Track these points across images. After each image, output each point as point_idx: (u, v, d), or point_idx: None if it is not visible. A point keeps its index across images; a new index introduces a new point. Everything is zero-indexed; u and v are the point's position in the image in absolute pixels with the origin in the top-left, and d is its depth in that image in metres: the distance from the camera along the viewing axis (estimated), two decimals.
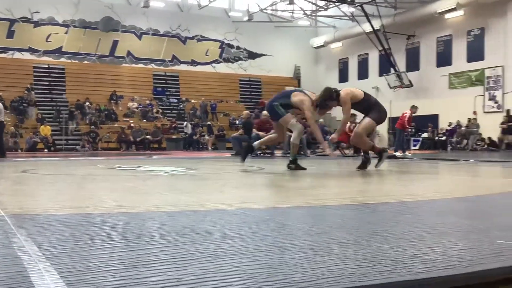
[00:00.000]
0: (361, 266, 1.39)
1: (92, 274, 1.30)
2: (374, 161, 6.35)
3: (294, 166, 6.26)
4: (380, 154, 6.34)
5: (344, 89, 6.28)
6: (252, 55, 30.69)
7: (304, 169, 6.18)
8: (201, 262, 1.44)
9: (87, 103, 24.42)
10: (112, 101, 25.74)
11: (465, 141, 21.36)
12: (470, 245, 1.67)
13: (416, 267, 1.37)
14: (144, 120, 24.88)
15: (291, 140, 6.56)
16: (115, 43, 27.22)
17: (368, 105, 6.19)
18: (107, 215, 2.45)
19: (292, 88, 6.99)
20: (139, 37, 27.81)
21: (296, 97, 6.30)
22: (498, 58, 21.28)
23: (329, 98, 6.15)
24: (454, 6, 21.86)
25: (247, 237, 1.88)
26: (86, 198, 3.37)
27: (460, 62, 23.06)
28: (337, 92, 6.15)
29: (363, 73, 28.34)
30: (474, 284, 1.30)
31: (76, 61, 26.29)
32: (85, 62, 26.51)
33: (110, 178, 5.46)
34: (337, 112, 8.52)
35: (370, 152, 6.40)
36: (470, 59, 22.61)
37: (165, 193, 3.69)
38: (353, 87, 6.63)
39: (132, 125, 23.16)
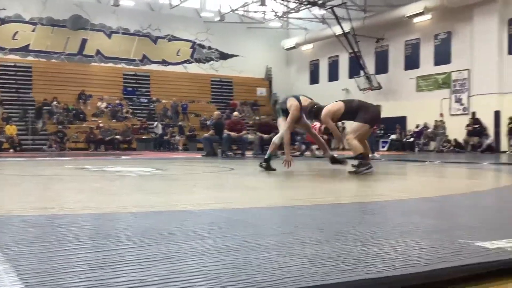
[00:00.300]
0: (324, 265, 1.41)
1: (53, 276, 1.29)
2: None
3: (265, 165, 6.31)
4: (367, 165, 5.93)
5: (324, 109, 6.25)
6: (224, 56, 30.65)
7: (273, 169, 6.22)
8: (166, 263, 1.44)
9: (55, 103, 23.94)
10: (80, 100, 25.30)
11: (432, 143, 21.84)
12: (431, 245, 1.72)
13: (378, 265, 1.40)
14: (114, 120, 24.54)
15: (273, 139, 6.68)
16: (84, 41, 26.77)
17: (352, 113, 6.17)
18: (72, 216, 2.42)
19: (296, 94, 7.05)
20: (109, 36, 27.43)
21: (289, 103, 6.51)
22: (464, 61, 21.81)
23: (310, 112, 6.37)
24: (422, 10, 22.31)
25: (213, 237, 1.88)
26: (52, 199, 3.30)
27: (427, 65, 23.56)
28: (318, 111, 6.24)
29: (333, 75, 28.65)
30: (433, 282, 1.34)
31: (44, 60, 25.74)
32: (53, 60, 25.99)
33: (77, 179, 5.38)
34: None
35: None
36: (437, 62, 23.11)
37: (132, 193, 3.66)
38: (335, 101, 6.47)
39: (101, 125, 22.82)
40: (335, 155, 6.96)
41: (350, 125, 6.37)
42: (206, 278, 1.28)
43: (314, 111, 6.32)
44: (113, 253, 1.59)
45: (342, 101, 6.44)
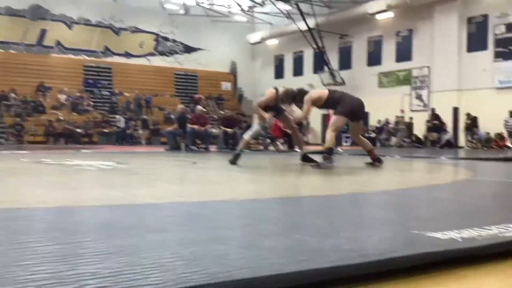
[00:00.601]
0: (281, 256, 1.43)
1: (3, 269, 1.25)
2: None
3: (233, 160, 6.26)
4: (329, 159, 5.99)
5: (309, 93, 6.32)
6: (188, 49, 30.39)
7: (235, 164, 6.19)
8: (121, 256, 1.42)
9: (13, 94, 23.19)
10: (39, 92, 24.58)
11: (393, 138, 22.32)
12: (385, 236, 1.75)
13: (332, 256, 1.42)
14: (74, 113, 23.98)
15: (243, 135, 6.67)
16: (43, 32, 26.01)
17: (332, 103, 6.17)
18: (26, 210, 2.35)
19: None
20: (69, 27, 26.75)
21: (266, 92, 6.57)
22: (424, 59, 22.33)
23: (292, 97, 6.38)
24: (385, 8, 22.70)
25: (171, 230, 1.87)
26: (4, 193, 3.20)
27: (389, 62, 24.01)
28: (301, 95, 6.28)
29: (298, 70, 28.85)
30: (386, 271, 1.37)
31: (1, 50, 24.88)
32: (11, 51, 25.16)
33: (33, 173, 5.23)
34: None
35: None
36: (399, 59, 23.58)
37: (91, 188, 3.59)
38: (320, 89, 6.62)
39: (60, 118, 22.25)
40: (309, 155, 6.86)
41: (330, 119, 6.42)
42: (160, 270, 1.26)
43: (298, 93, 6.34)
44: (67, 246, 1.55)
45: (328, 89, 6.51)
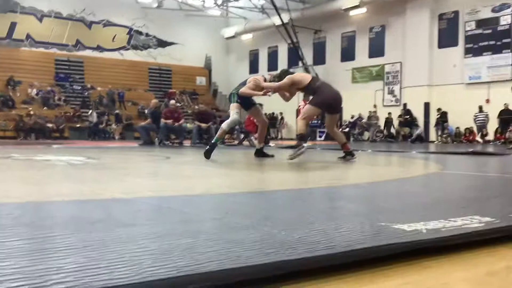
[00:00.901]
0: (249, 249, 1.43)
1: None
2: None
3: (208, 149, 6.24)
4: (299, 146, 6.05)
5: (295, 73, 6.60)
6: (162, 43, 30.11)
7: (208, 158, 6.16)
8: (86, 251, 1.40)
9: None
10: (9, 86, 24.03)
11: (366, 133, 22.59)
12: (353, 228, 1.78)
13: (300, 248, 1.43)
14: (45, 108, 23.53)
15: (221, 125, 6.65)
16: (13, 25, 25.41)
17: (312, 90, 6.19)
18: None
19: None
20: (40, 20, 26.19)
21: (248, 80, 6.62)
22: (397, 54, 22.64)
23: (279, 77, 6.48)
24: (358, 4, 22.91)
25: (139, 224, 1.85)
26: None
27: (362, 57, 24.27)
28: (286, 74, 6.42)
29: (273, 65, 28.88)
30: (352, 262, 1.39)
31: None
32: None
33: (1, 168, 5.12)
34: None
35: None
36: (372, 54, 23.86)
37: (60, 182, 3.53)
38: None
39: (31, 112, 21.80)
40: (264, 150, 6.92)
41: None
42: (126, 265, 1.25)
43: (284, 73, 6.49)
44: (32, 241, 1.53)
45: (312, 76, 6.58)
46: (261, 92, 6.45)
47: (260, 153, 6.83)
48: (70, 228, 1.74)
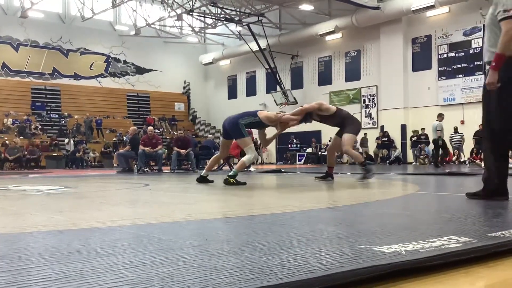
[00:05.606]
0: (229, 276, 1.42)
1: None
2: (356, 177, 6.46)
3: (233, 180, 6.19)
4: (366, 167, 6.80)
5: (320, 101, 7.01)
6: (140, 70, 30.13)
7: (244, 183, 6.15)
8: (63, 282, 1.37)
9: None
10: None
11: (345, 156, 22.74)
12: (332, 251, 1.78)
13: (280, 273, 1.43)
14: (21, 137, 23.19)
15: (242, 158, 6.67)
16: None
17: (339, 119, 6.67)
18: None
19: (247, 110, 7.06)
20: (16, 49, 26.03)
21: (262, 115, 6.59)
22: (372, 78, 23.07)
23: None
24: (333, 29, 23.37)
25: (118, 254, 1.82)
26: None
27: (339, 81, 24.64)
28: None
29: (251, 90, 29.12)
30: (332, 286, 1.39)
31: None
32: None
33: None
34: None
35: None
36: (348, 78, 24.25)
37: (35, 213, 3.46)
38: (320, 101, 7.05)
39: (6, 142, 21.45)
40: (207, 176, 6.90)
41: (342, 137, 6.64)
42: None
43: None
44: (7, 274, 1.49)
45: (336, 106, 7.02)
46: (284, 128, 6.79)
47: (203, 180, 6.82)
48: (47, 260, 1.71)
